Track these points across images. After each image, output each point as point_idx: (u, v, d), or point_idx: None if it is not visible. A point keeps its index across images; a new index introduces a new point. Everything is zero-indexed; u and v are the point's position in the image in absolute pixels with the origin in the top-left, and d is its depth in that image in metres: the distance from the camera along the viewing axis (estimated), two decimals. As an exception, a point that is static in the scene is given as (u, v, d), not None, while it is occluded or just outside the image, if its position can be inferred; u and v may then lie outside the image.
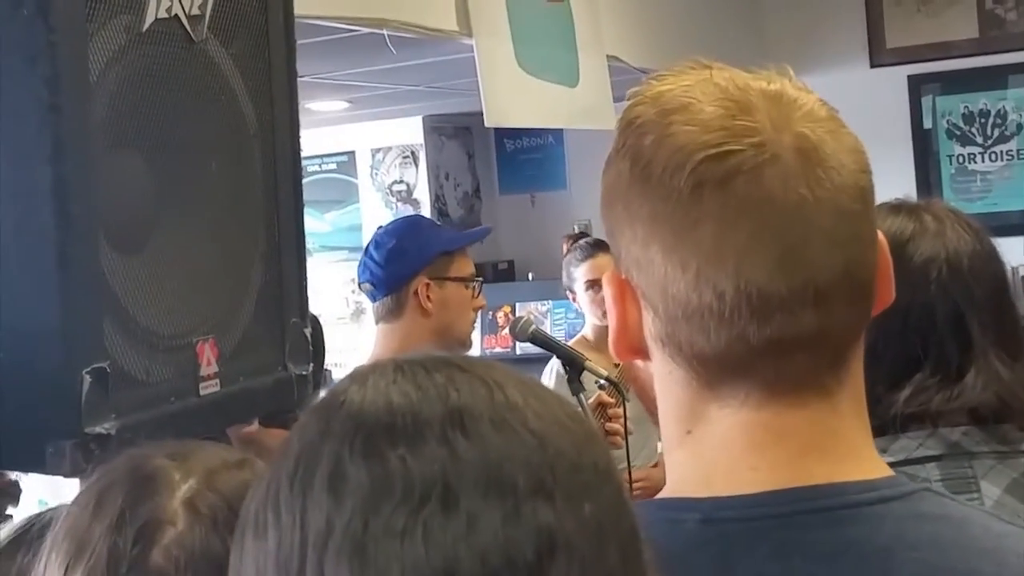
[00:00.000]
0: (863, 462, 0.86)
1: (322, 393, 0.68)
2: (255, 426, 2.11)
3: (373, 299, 2.77)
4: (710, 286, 0.82)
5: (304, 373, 1.71)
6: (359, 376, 0.65)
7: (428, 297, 2.69)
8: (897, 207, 1.43)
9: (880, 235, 0.88)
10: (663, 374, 0.88)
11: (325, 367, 1.88)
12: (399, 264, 2.71)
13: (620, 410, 2.93)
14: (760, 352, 0.83)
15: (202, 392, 1.51)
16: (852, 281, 0.84)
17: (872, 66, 5.85)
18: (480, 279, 2.81)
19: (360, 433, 0.61)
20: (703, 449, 0.86)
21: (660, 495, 0.89)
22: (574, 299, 3.69)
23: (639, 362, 0.91)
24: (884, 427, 1.29)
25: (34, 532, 1.27)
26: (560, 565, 0.58)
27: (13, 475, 2.31)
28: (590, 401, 2.97)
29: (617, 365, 2.78)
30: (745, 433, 0.85)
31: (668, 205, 0.83)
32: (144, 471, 1.01)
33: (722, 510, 0.83)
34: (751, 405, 0.84)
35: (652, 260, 0.84)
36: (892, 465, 0.88)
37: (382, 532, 0.58)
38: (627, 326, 0.88)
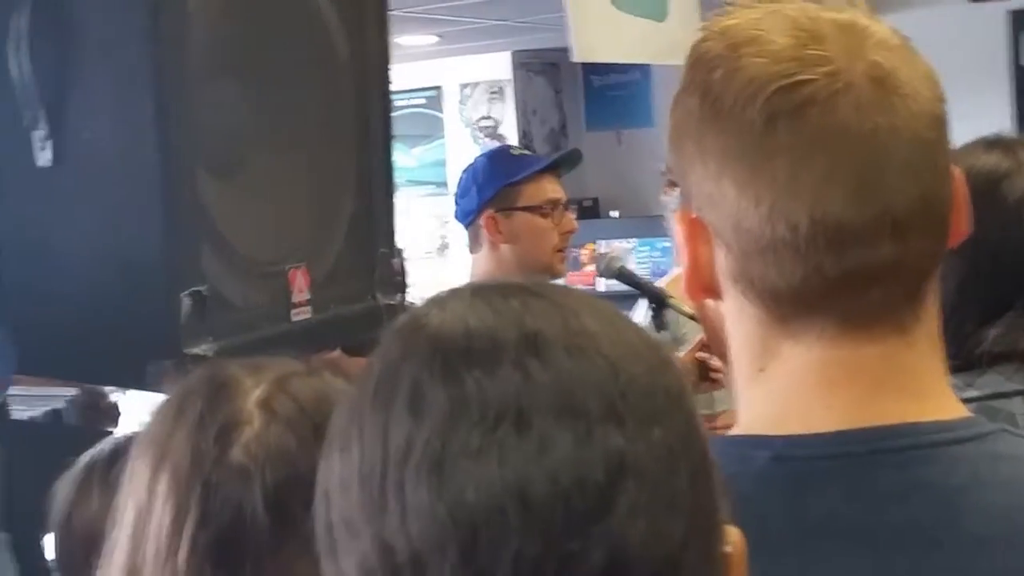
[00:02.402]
0: (939, 401, 0.85)
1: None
2: (336, 352, 2.16)
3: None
4: (783, 219, 0.81)
5: (393, 303, 1.74)
6: (438, 301, 0.67)
7: (497, 230, 2.74)
8: (993, 143, 1.40)
9: (954, 167, 0.87)
10: (735, 312, 0.87)
11: (409, 301, 1.92)
12: (467, 199, 2.80)
13: None
14: (836, 286, 0.82)
15: (294, 318, 1.55)
16: (929, 211, 0.83)
17: (971, 0, 5.69)
18: (555, 202, 2.78)
19: (438, 356, 0.62)
20: (776, 387, 0.86)
21: (732, 432, 0.88)
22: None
23: (710, 302, 0.91)
24: (971, 364, 1.28)
25: (103, 454, 1.33)
26: (629, 487, 0.59)
27: (112, 398, 2.40)
28: (697, 339, 2.95)
29: None
30: (819, 370, 0.84)
31: (741, 138, 0.82)
32: (219, 379, 1.06)
33: (794, 448, 0.83)
34: (825, 341, 0.84)
35: (724, 195, 0.83)
36: (979, 399, 0.87)
37: (459, 451, 0.59)
38: (699, 265, 0.88)
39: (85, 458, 1.34)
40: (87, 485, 1.30)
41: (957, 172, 0.87)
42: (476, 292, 0.66)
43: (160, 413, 1.06)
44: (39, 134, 1.33)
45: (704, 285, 0.89)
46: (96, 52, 1.34)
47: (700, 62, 0.86)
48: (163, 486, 1.00)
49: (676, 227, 0.90)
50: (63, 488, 1.32)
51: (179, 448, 1.01)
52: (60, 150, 1.33)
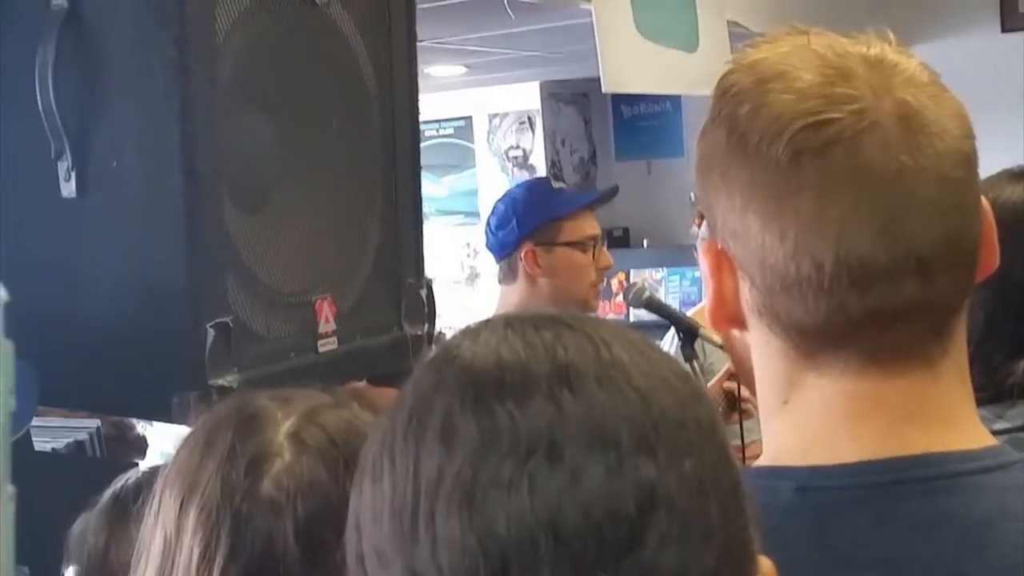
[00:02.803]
0: (965, 432, 0.85)
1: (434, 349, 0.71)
2: (362, 383, 2.15)
3: (496, 261, 2.86)
4: (808, 256, 0.81)
5: (419, 333, 1.74)
6: (471, 332, 0.67)
7: (536, 264, 2.74)
8: (1019, 175, 1.40)
9: (984, 201, 0.86)
10: (760, 344, 0.88)
11: (439, 330, 1.92)
12: (506, 231, 2.79)
13: None
14: (860, 322, 0.82)
15: (320, 349, 1.55)
16: (955, 250, 0.83)
17: (1004, 31, 5.64)
18: (595, 238, 2.79)
19: (471, 387, 0.63)
20: (801, 418, 0.86)
21: (758, 463, 0.88)
22: None
23: (736, 332, 0.91)
24: (1000, 396, 1.27)
25: (129, 487, 1.33)
26: (661, 519, 0.59)
27: (140, 430, 2.40)
28: (724, 368, 2.95)
29: None
30: (844, 402, 0.84)
31: (766, 174, 0.82)
32: (249, 411, 1.05)
33: (819, 479, 0.83)
34: (850, 375, 0.84)
35: (749, 229, 0.83)
36: (1009, 431, 0.86)
37: (490, 482, 0.59)
38: (724, 297, 0.88)
39: (110, 492, 1.33)
40: (122, 520, 1.30)
41: (986, 206, 0.87)
42: (509, 324, 0.66)
43: (188, 444, 1.05)
44: (64, 164, 1.33)
45: (729, 316, 0.89)
46: (122, 83, 1.35)
47: (727, 95, 0.86)
48: (192, 518, 1.00)
49: (701, 258, 0.89)
50: (93, 523, 1.32)
51: (208, 479, 1.01)
52: (85, 180, 1.34)
